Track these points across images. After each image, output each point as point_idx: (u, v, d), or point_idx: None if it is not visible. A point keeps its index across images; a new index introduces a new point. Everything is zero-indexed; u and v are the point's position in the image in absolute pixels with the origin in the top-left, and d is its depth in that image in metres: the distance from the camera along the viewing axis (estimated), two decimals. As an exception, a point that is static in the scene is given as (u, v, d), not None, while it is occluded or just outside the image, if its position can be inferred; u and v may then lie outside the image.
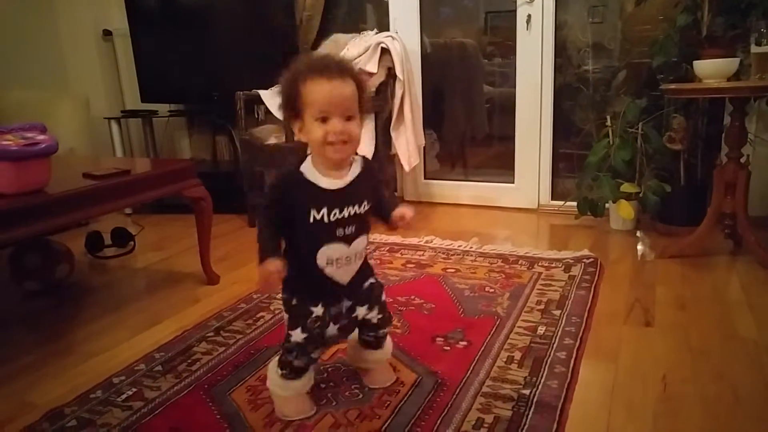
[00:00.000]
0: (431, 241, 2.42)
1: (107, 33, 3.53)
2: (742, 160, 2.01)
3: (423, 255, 2.26)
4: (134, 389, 1.38)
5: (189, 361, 1.51)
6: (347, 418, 1.22)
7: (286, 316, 1.19)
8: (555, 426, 1.16)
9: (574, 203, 2.60)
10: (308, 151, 1.12)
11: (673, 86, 1.98)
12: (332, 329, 1.19)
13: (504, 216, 2.93)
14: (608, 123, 2.49)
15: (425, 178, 3.20)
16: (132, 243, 2.55)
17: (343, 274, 1.16)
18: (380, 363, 1.34)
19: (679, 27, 2.27)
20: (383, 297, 1.27)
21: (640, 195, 2.39)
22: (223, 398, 1.32)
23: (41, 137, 1.49)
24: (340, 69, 1.06)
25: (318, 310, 1.16)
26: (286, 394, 1.22)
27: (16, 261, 2.02)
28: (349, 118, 1.06)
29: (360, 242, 1.16)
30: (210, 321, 1.74)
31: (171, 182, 1.88)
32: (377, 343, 1.30)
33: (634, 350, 1.48)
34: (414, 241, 2.44)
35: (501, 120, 3.52)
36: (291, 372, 1.20)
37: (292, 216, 1.10)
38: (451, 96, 3.73)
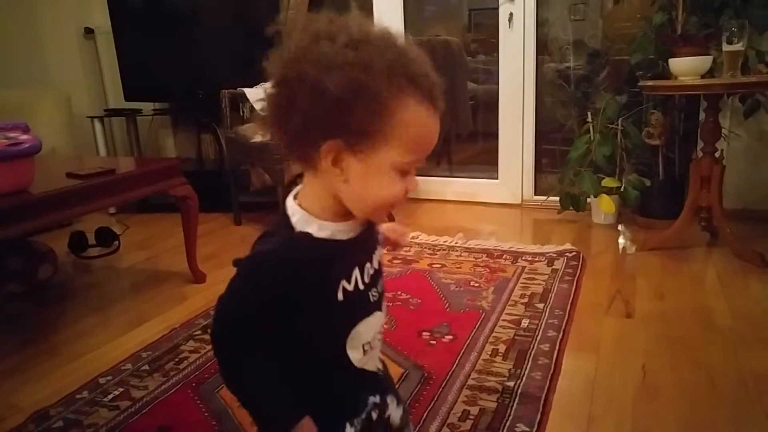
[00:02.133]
0: (417, 237, 2.44)
1: (89, 31, 3.50)
2: (717, 154, 2.05)
3: (409, 251, 2.28)
4: (121, 389, 1.38)
5: (176, 359, 1.51)
6: (335, 412, 1.24)
7: None
8: (539, 416, 1.19)
9: (557, 198, 2.64)
10: (297, 192, 0.69)
11: (650, 83, 2.02)
12: None
13: (488, 211, 2.96)
14: (589, 119, 2.53)
15: (410, 175, 3.21)
16: (116, 243, 2.54)
17: (374, 359, 0.75)
18: None
19: (656, 25, 2.31)
20: None
21: (621, 189, 2.44)
22: (212, 396, 1.33)
23: (24, 137, 1.49)
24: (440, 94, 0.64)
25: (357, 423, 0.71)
26: None
27: (-1, 262, 2.00)
28: None
29: (384, 303, 0.76)
30: (197, 319, 1.75)
31: (156, 181, 1.88)
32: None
33: (615, 341, 1.52)
34: (399, 237, 2.46)
35: (485, 116, 3.55)
36: None
37: (298, 307, 0.66)
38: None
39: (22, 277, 2.02)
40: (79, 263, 2.40)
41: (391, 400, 0.77)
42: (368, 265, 0.70)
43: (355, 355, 0.69)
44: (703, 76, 1.97)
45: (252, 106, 2.71)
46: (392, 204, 0.65)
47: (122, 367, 1.49)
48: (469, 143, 4.04)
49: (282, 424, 0.65)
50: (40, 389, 1.42)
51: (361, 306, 0.70)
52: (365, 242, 0.70)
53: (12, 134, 1.48)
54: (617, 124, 2.43)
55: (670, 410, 1.21)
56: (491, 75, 3.22)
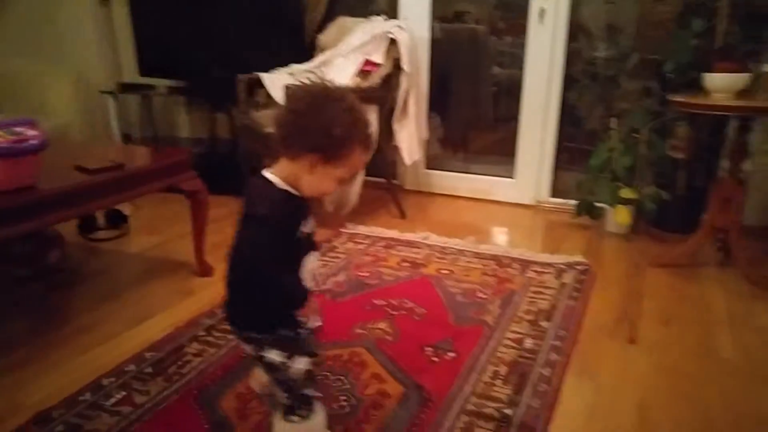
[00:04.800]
0: (427, 238, 2.42)
1: (105, -1, 3.44)
2: (741, 176, 2.00)
3: (418, 253, 2.26)
4: (123, 393, 1.40)
5: (180, 362, 1.52)
6: (332, 434, 1.24)
7: (277, 355, 1.06)
8: (535, 451, 1.19)
9: (572, 201, 2.60)
10: (276, 169, 1.03)
11: (680, 98, 1.95)
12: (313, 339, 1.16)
13: (501, 211, 2.92)
14: (613, 125, 2.46)
15: (426, 168, 3.18)
16: (126, 225, 2.54)
17: (312, 281, 1.11)
18: None
19: (694, 32, 2.22)
20: None
21: (639, 201, 2.39)
22: (213, 406, 1.34)
23: (31, 133, 1.47)
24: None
25: (305, 331, 1.10)
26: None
27: (6, 247, 2.02)
28: None
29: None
30: (202, 319, 1.75)
31: (167, 176, 1.87)
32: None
33: (616, 369, 1.51)
34: (411, 237, 2.44)
35: (507, 102, 3.48)
36: (311, 406, 1.11)
37: (279, 238, 1.01)
38: (458, 82, 3.70)
39: (30, 262, 2.04)
40: (88, 246, 2.41)
41: None
42: (311, 218, 1.09)
43: (305, 277, 1.08)
44: (738, 93, 1.90)
45: (268, 93, 2.67)
46: (325, 194, 1.07)
47: (125, 369, 1.50)
48: (487, 131, 3.99)
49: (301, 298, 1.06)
50: (43, 386, 1.44)
51: (308, 245, 1.09)
52: (305, 205, 1.07)
53: (19, 129, 1.46)
54: (642, 134, 2.37)
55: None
56: (516, 59, 3.10)
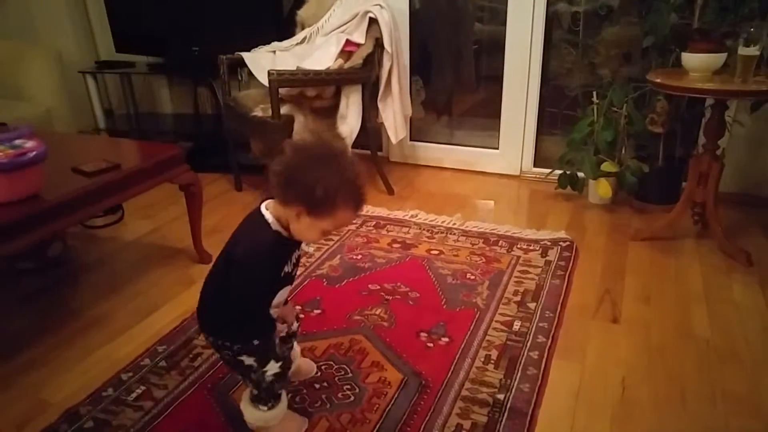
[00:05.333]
0: (416, 216, 2.50)
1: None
2: (718, 152, 2.09)
3: (408, 233, 2.35)
4: (143, 387, 1.49)
5: (191, 356, 1.61)
6: (340, 422, 1.35)
7: (251, 361, 1.20)
8: (525, 433, 1.31)
9: (555, 171, 2.69)
10: (268, 211, 1.13)
11: (658, 80, 2.01)
12: (285, 347, 1.35)
13: (487, 182, 3.00)
14: (594, 99, 2.52)
15: (411, 140, 3.22)
16: (121, 211, 2.58)
17: (279, 309, 1.26)
18: (299, 353, 1.48)
19: (673, 4, 2.25)
20: None
21: (619, 174, 2.48)
22: (226, 398, 1.44)
23: (29, 144, 1.50)
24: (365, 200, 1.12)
25: (275, 337, 1.24)
26: (279, 419, 1.28)
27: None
28: None
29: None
30: (206, 309, 1.83)
31: (161, 172, 1.91)
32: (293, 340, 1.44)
33: (600, 349, 1.63)
34: (400, 215, 2.52)
35: (489, 61, 3.50)
36: (277, 399, 1.26)
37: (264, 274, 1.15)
38: (439, 43, 3.69)
39: (32, 255, 2.09)
40: (86, 234, 2.45)
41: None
42: (294, 257, 1.20)
43: (274, 305, 1.21)
44: (715, 72, 1.96)
45: (249, 71, 2.67)
46: (310, 241, 1.24)
47: (141, 363, 1.59)
48: (470, 92, 4.02)
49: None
50: (65, 384, 1.52)
51: (286, 282, 1.21)
52: (294, 245, 1.18)
53: (18, 142, 1.49)
54: (622, 110, 2.43)
55: (642, 429, 1.33)
56: (497, 14, 3.06)
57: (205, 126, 3.48)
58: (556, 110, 3.17)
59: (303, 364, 1.51)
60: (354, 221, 1.17)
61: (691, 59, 1.99)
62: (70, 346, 1.69)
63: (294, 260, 1.20)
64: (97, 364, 1.60)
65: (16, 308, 1.93)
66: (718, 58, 1.96)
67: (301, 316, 1.33)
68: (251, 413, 1.27)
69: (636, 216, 2.50)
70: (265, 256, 1.12)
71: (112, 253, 2.30)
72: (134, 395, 1.46)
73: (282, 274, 1.17)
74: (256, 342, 1.19)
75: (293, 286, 1.32)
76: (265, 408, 1.25)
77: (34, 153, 1.49)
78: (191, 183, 2.01)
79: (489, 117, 3.08)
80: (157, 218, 2.59)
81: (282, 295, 1.23)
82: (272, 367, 1.21)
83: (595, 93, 2.52)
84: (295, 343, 1.44)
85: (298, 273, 1.99)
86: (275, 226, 1.12)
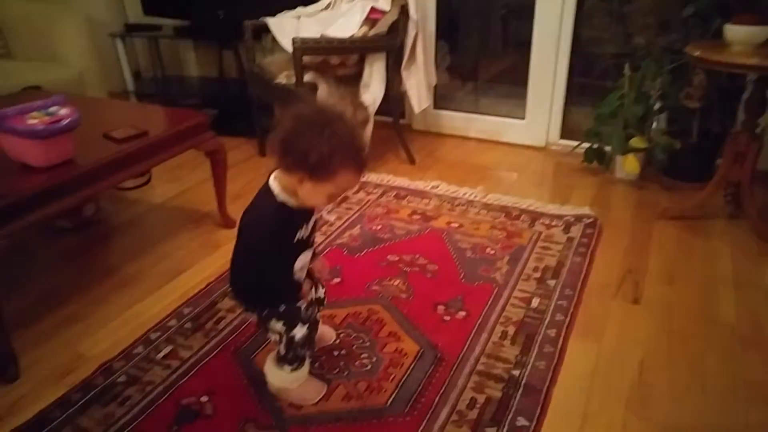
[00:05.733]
0: (437, 187, 2.50)
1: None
2: (757, 130, 2.02)
3: (428, 204, 2.35)
4: (170, 347, 1.55)
5: (215, 318, 1.67)
6: (357, 390, 1.39)
7: (280, 326, 1.27)
8: (538, 410, 1.33)
9: (583, 144, 2.64)
10: (276, 180, 1.17)
11: (697, 53, 1.94)
12: (312, 310, 1.36)
13: (511, 153, 2.96)
14: (626, 71, 2.45)
15: (435, 108, 3.19)
16: (148, 174, 2.63)
17: (303, 272, 1.32)
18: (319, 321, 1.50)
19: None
20: None
21: (649, 150, 2.42)
22: (248, 362, 1.49)
23: (63, 112, 1.54)
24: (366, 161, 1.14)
25: (302, 303, 1.30)
26: (300, 381, 1.35)
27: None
28: None
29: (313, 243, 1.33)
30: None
31: (187, 138, 1.93)
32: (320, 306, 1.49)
33: (619, 330, 1.62)
34: (421, 185, 2.52)
35: (518, 26, 3.42)
36: (301, 362, 1.33)
37: (275, 243, 1.19)
38: (466, 6, 3.62)
39: (69, 214, 2.15)
40: (115, 195, 2.51)
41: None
42: (308, 224, 1.23)
43: (297, 271, 1.27)
44: (759, 46, 1.89)
45: (274, 37, 2.65)
46: (318, 207, 1.21)
47: (168, 324, 1.65)
48: (497, 59, 3.95)
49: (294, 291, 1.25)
50: (100, 340, 1.60)
51: (302, 246, 1.25)
52: (306, 212, 1.21)
53: (53, 109, 1.52)
54: (656, 83, 2.36)
55: (659, 415, 1.33)
56: None
57: (230, 90, 3.49)
58: (586, 80, 3.10)
59: (324, 331, 1.56)
60: (357, 184, 1.26)
61: (734, 31, 1.92)
62: (105, 303, 1.76)
63: (309, 226, 1.24)
64: (129, 322, 1.67)
65: (56, 265, 2.01)
66: (763, 31, 1.88)
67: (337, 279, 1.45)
68: (275, 374, 1.34)
69: (664, 193, 2.45)
70: (267, 227, 1.17)
71: (141, 215, 2.36)
72: (162, 354, 1.52)
73: (295, 240, 1.20)
74: (282, 307, 1.25)
75: (317, 251, 1.37)
76: (290, 369, 1.32)
77: (69, 120, 1.53)
78: (216, 150, 2.04)
79: (516, 84, 3.02)
80: (184, 181, 2.63)
81: (303, 259, 1.27)
82: (299, 331, 1.26)
83: (627, 64, 2.44)
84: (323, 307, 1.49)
85: (320, 240, 2.03)
86: (281, 196, 1.16)
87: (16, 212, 1.43)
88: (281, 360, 1.32)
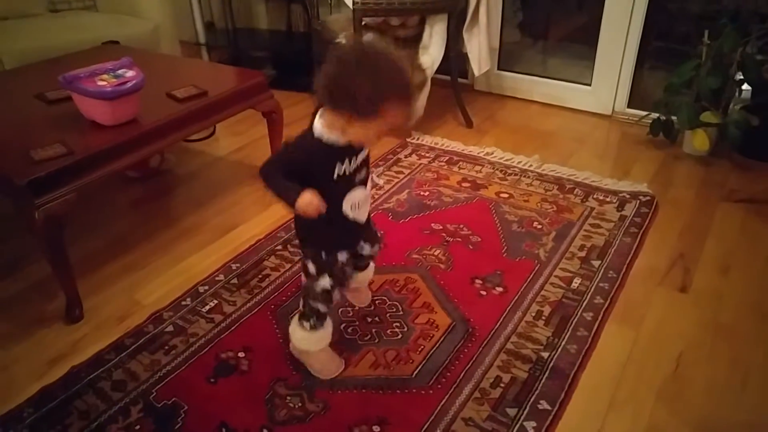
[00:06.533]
0: (491, 154, 2.45)
1: None
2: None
3: (480, 172, 2.32)
4: (215, 301, 1.66)
5: (260, 276, 1.75)
6: (386, 359, 1.44)
7: (312, 267, 1.30)
8: (563, 394, 1.34)
9: (651, 114, 2.51)
10: (321, 118, 1.16)
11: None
12: (349, 270, 1.39)
13: (575, 120, 2.85)
14: (705, 39, 2.27)
15: (499, 69, 3.08)
16: (213, 127, 2.72)
17: (362, 215, 1.30)
18: (366, 282, 1.58)
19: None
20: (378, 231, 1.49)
21: (722, 125, 2.26)
22: (286, 322, 1.55)
23: (130, 74, 1.63)
24: (413, 91, 1.11)
25: (343, 257, 1.31)
26: (317, 347, 1.38)
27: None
28: None
29: (369, 182, 1.30)
30: (279, 232, 1.96)
31: (245, 98, 1.99)
32: (367, 266, 1.52)
33: (660, 318, 1.57)
34: (475, 151, 2.48)
35: None
36: (317, 320, 1.34)
37: (311, 178, 1.16)
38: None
39: (138, 165, 2.29)
40: (182, 147, 2.62)
41: (364, 242, 1.42)
42: (353, 160, 1.20)
43: (347, 210, 1.25)
44: None
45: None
46: (368, 145, 1.21)
47: (216, 278, 1.75)
48: (571, 16, 3.75)
49: (292, 195, 1.14)
50: (155, 289, 1.73)
51: (349, 183, 1.22)
52: (351, 149, 1.18)
53: (120, 71, 1.62)
54: (736, 55, 2.18)
55: (690, 411, 1.30)
56: None
57: (296, 44, 3.51)
58: (664, 44, 2.90)
59: (363, 292, 1.61)
60: (408, 118, 1.13)
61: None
62: (163, 253, 1.89)
63: (355, 162, 1.21)
64: (181, 274, 1.79)
65: (123, 213, 2.16)
66: None
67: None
68: (296, 333, 1.38)
69: (735, 173, 2.30)
70: (290, 155, 1.19)
71: (204, 168, 2.47)
72: (207, 308, 1.63)
73: (334, 176, 1.18)
74: (324, 255, 1.29)
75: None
76: (308, 327, 1.35)
77: (134, 82, 1.63)
78: (273, 110, 2.09)
79: (588, 44, 2.85)
80: (246, 135, 2.71)
81: (353, 198, 1.24)
82: (325, 281, 1.30)
83: (707, 32, 2.26)
84: (371, 267, 1.54)
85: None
86: (318, 131, 1.15)
87: (85, 168, 1.54)
88: (301, 317, 1.36)
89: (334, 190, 1.20)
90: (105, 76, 1.60)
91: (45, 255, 1.55)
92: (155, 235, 1.98)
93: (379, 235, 1.50)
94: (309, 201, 1.13)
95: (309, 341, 1.38)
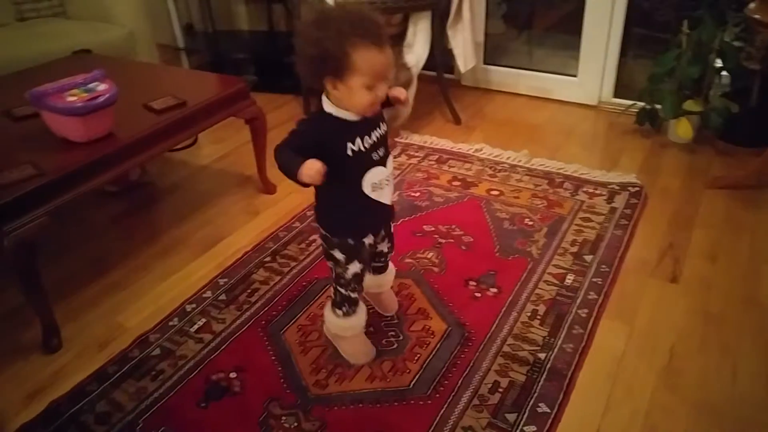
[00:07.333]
0: (480, 151, 2.43)
1: None
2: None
3: (470, 169, 2.30)
4: (204, 320, 1.61)
5: (249, 291, 1.71)
6: (382, 370, 1.42)
7: (340, 255, 1.29)
8: (561, 396, 1.33)
9: (637, 103, 2.51)
10: (326, 94, 1.14)
11: (757, 16, 1.76)
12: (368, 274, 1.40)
13: (561, 111, 2.84)
14: (684, 29, 2.26)
15: (485, 63, 3.06)
16: (194, 136, 2.68)
17: (386, 196, 1.25)
18: (389, 284, 1.55)
19: None
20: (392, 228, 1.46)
21: (704, 113, 2.26)
22: (278, 338, 1.53)
23: (102, 87, 1.57)
24: (385, 36, 1.06)
25: (369, 240, 1.32)
26: (351, 333, 1.40)
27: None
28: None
29: (391, 160, 1.26)
30: (267, 242, 1.93)
31: (226, 107, 1.95)
32: (385, 267, 1.50)
33: (653, 311, 1.57)
34: (464, 148, 2.46)
35: None
36: (350, 306, 1.36)
37: (325, 155, 1.11)
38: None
39: (115, 179, 2.24)
40: (162, 157, 2.54)
41: (385, 234, 1.40)
42: (367, 137, 1.16)
43: (368, 190, 1.20)
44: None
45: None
46: (368, 106, 1.10)
47: (203, 295, 1.71)
48: (555, 7, 3.74)
49: (295, 166, 1.08)
50: (139, 310, 1.67)
51: (366, 160, 1.18)
52: (366, 123, 1.16)
53: (92, 85, 1.56)
54: (714, 44, 2.17)
55: (685, 405, 1.30)
56: None
57: (279, 44, 3.45)
58: (646, 31, 2.89)
59: (388, 297, 1.59)
60: (385, 59, 1.05)
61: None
62: (146, 271, 1.84)
63: (370, 141, 1.17)
64: (167, 292, 1.74)
65: (102, 230, 2.10)
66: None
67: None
68: (330, 318, 1.40)
69: (718, 159, 2.30)
70: (308, 132, 1.16)
71: (185, 178, 2.42)
72: (196, 327, 1.59)
73: (348, 152, 1.14)
74: (351, 241, 1.27)
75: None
76: (341, 314, 1.36)
77: (106, 96, 1.56)
78: (256, 117, 2.05)
79: (572, 34, 2.84)
80: (230, 142, 2.66)
81: (373, 177, 1.20)
82: (354, 266, 1.30)
83: (686, 21, 2.25)
84: (391, 269, 1.51)
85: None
86: (328, 107, 1.14)
87: (57, 189, 1.47)
88: (334, 304, 1.38)
89: (351, 169, 1.17)
90: (75, 91, 1.53)
91: (16, 283, 1.44)
92: (137, 253, 1.92)
93: (391, 232, 1.45)
94: (311, 165, 1.07)
95: (343, 327, 1.39)
